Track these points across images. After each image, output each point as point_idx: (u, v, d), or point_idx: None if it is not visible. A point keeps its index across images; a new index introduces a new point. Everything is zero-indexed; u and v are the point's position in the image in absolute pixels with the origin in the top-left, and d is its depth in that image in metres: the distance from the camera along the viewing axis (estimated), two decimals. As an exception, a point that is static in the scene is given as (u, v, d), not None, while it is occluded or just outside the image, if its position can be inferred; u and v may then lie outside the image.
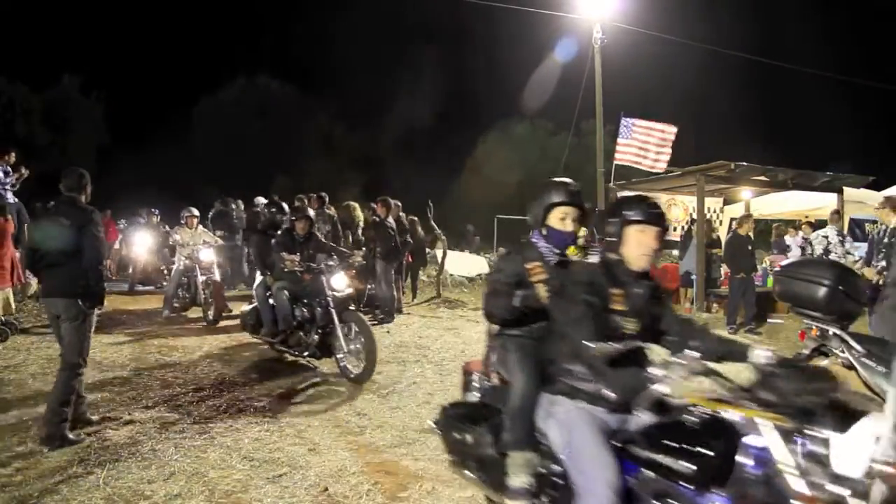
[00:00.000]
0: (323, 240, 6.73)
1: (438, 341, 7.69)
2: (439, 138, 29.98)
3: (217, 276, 8.58)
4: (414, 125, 30.37)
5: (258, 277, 6.50)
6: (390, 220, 9.13)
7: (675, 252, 12.96)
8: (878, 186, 11.95)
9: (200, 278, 8.46)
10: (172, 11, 36.53)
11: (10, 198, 8.56)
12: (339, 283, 5.72)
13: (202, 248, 8.71)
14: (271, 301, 6.13)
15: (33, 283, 9.14)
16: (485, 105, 31.95)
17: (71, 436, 4.02)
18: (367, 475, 3.62)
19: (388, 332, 8.19)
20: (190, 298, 8.71)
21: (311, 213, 6.69)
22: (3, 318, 6.98)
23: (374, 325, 8.54)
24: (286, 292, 5.94)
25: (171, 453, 3.88)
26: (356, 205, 11.22)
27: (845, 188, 11.12)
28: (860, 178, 11.57)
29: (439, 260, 11.72)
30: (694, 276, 10.32)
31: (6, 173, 8.48)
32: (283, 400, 5.12)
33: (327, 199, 10.55)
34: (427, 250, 11.80)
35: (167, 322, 8.46)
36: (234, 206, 11.94)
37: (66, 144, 25.14)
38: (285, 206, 7.26)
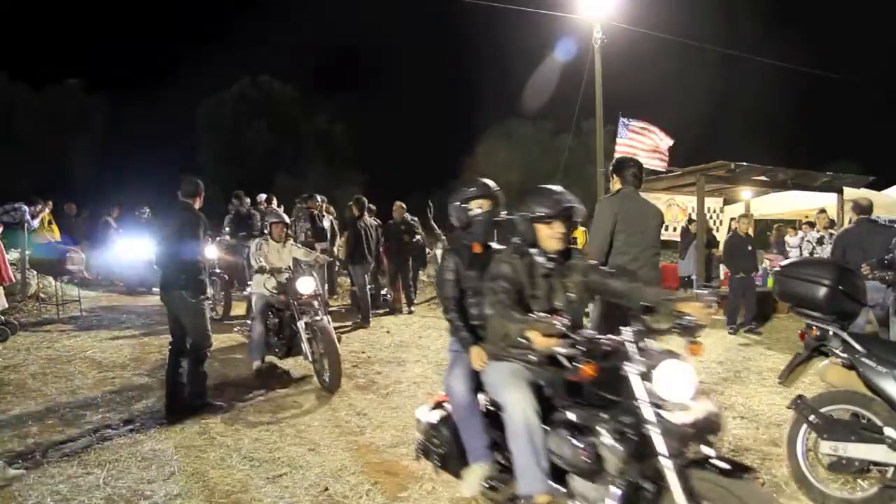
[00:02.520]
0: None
1: (438, 341, 7.68)
2: (439, 138, 30.00)
3: (325, 319, 5.60)
4: (414, 125, 30.40)
5: (455, 356, 2.94)
6: (366, 219, 8.99)
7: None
8: (878, 186, 11.95)
9: (301, 322, 5.49)
10: (173, 11, 36.56)
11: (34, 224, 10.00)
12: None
13: (300, 275, 5.69)
14: (483, 402, 2.80)
15: (33, 283, 9.18)
16: (485, 105, 31.97)
17: (213, 402, 4.77)
18: (367, 475, 3.61)
19: (388, 332, 8.19)
20: (285, 346, 5.79)
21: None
22: (2, 319, 6.99)
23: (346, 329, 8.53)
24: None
25: (171, 453, 3.88)
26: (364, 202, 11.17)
27: (845, 188, 11.12)
28: (860, 178, 11.56)
29: (439, 260, 11.72)
30: (694, 277, 10.32)
31: (32, 216, 9.73)
32: (283, 400, 5.11)
33: (325, 201, 10.52)
34: (427, 250, 11.79)
35: (260, 377, 5.72)
36: (236, 203, 11.89)
37: (66, 144, 25.12)
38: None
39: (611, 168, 4.17)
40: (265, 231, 11.77)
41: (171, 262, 4.59)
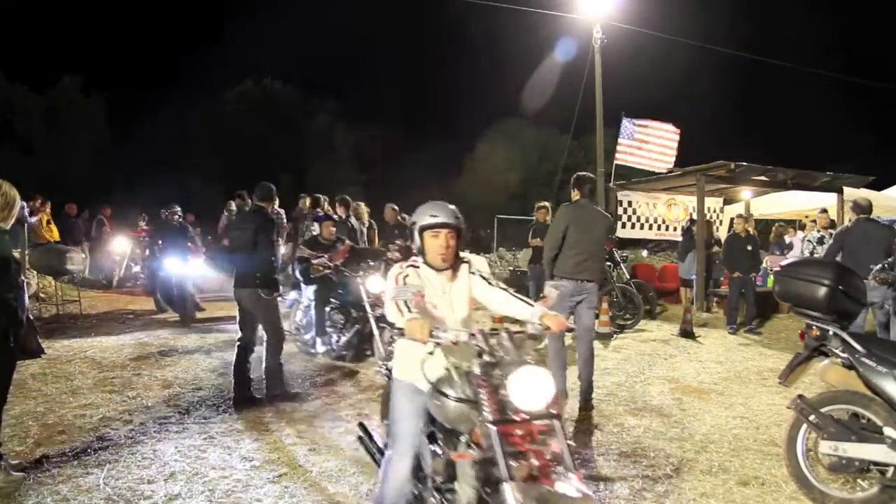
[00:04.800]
0: None
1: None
2: (439, 138, 29.99)
3: (574, 479, 2.06)
4: (414, 125, 30.41)
5: None
6: (352, 220, 8.92)
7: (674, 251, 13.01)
8: (878, 186, 11.95)
9: (510, 486, 1.99)
10: (173, 11, 36.57)
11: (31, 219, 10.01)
12: None
13: (509, 356, 2.25)
14: None
15: (33, 283, 9.17)
16: (485, 105, 32.00)
17: (290, 391, 5.08)
18: (368, 475, 3.61)
19: (388, 332, 8.18)
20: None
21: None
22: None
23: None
24: None
25: (171, 453, 3.88)
26: (363, 204, 11.15)
27: (845, 188, 11.14)
28: (860, 178, 11.58)
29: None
30: (694, 277, 10.32)
31: (31, 212, 9.64)
32: (283, 400, 5.11)
33: (325, 201, 10.48)
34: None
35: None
36: (239, 203, 11.86)
37: (66, 144, 25.11)
38: None
39: (571, 182, 5.21)
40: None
41: (248, 261, 4.92)
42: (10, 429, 4.22)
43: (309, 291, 6.66)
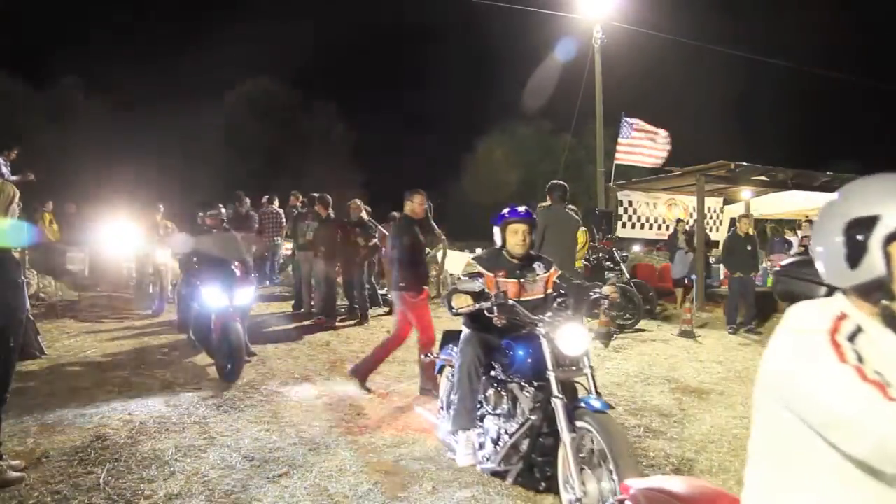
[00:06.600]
0: None
1: (438, 341, 7.66)
2: (439, 138, 30.01)
3: None
4: (414, 124, 30.42)
5: None
6: (331, 217, 8.89)
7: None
8: (878, 186, 11.95)
9: None
10: (173, 11, 36.58)
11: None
12: None
13: None
14: None
15: (33, 282, 9.18)
16: (485, 105, 32.02)
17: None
18: (367, 475, 3.61)
19: (388, 332, 8.17)
20: None
21: None
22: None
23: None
24: None
25: (171, 453, 3.88)
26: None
27: (845, 188, 11.15)
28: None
29: (439, 260, 11.71)
30: (694, 277, 10.33)
31: (6, 161, 8.66)
32: (283, 400, 5.11)
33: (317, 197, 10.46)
34: (427, 250, 11.75)
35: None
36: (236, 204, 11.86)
37: (66, 144, 25.12)
38: None
39: (546, 189, 6.24)
40: (266, 231, 11.86)
41: (396, 267, 5.48)
42: (10, 429, 4.22)
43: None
